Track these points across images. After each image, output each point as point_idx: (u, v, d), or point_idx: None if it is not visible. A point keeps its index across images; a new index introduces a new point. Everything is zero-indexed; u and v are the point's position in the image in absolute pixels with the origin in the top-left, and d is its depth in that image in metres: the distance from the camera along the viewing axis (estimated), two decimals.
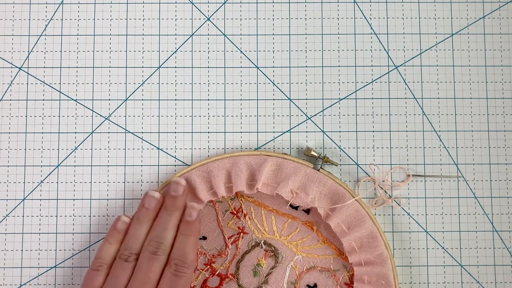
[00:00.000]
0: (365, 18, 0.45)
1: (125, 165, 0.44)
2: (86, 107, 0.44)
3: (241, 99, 0.44)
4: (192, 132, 0.44)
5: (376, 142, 0.44)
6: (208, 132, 0.44)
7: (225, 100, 0.44)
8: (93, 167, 0.44)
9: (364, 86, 0.45)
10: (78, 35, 0.45)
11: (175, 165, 0.44)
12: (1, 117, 0.44)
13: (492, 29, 0.45)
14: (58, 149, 0.44)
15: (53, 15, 0.45)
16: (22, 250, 0.43)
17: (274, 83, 0.45)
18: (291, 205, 0.43)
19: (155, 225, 0.39)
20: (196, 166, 0.42)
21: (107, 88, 0.44)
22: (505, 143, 0.44)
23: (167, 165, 0.44)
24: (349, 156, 0.44)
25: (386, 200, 0.43)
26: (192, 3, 0.45)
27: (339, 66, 0.45)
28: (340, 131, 0.44)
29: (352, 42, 0.45)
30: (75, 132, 0.44)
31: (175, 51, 0.45)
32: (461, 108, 0.44)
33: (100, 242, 0.43)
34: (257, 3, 0.45)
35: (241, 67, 0.45)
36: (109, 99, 0.44)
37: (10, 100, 0.44)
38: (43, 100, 0.44)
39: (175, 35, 0.45)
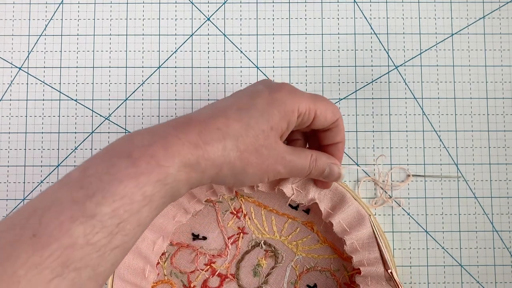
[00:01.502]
0: (365, 18, 0.45)
1: None
2: (86, 107, 0.44)
3: None
4: None
5: (376, 142, 0.44)
6: None
7: None
8: None
9: (364, 86, 0.44)
10: (78, 35, 0.45)
11: None
12: (1, 117, 0.44)
13: (492, 29, 0.45)
14: (58, 149, 0.44)
15: (53, 15, 0.45)
16: None
17: None
18: (291, 205, 0.43)
19: None
20: None
21: (107, 88, 0.44)
22: (505, 143, 0.44)
23: None
24: (349, 156, 0.44)
25: (386, 200, 0.43)
26: (192, 3, 0.45)
27: (339, 66, 0.45)
28: None
29: (352, 42, 0.45)
30: (75, 132, 0.44)
31: (175, 51, 0.45)
32: (461, 108, 0.44)
33: None
34: (257, 3, 0.45)
35: (241, 67, 0.45)
36: (109, 99, 0.44)
37: (10, 100, 0.44)
38: (43, 100, 0.44)
39: (175, 35, 0.45)
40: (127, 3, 0.45)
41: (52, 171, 0.44)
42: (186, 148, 0.29)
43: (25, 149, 0.44)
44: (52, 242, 0.25)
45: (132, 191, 0.27)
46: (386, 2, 0.45)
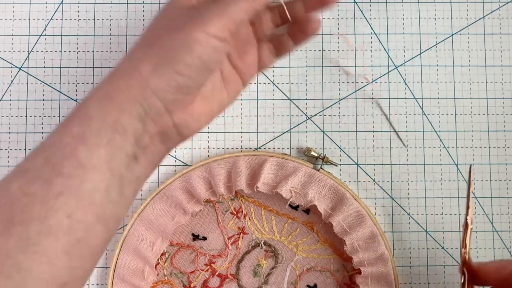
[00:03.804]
0: (365, 18, 0.45)
1: None
2: None
3: (241, 99, 0.44)
4: None
5: (376, 142, 0.44)
6: (208, 132, 0.44)
7: None
8: None
9: (364, 86, 0.44)
10: (78, 35, 0.45)
11: (175, 165, 0.44)
12: (1, 117, 0.44)
13: (492, 29, 0.45)
14: None
15: (53, 15, 0.45)
16: None
17: (274, 83, 0.44)
18: (291, 205, 0.43)
19: None
20: (196, 166, 0.42)
21: None
22: (505, 143, 0.44)
23: (167, 165, 0.44)
24: (349, 156, 0.44)
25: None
26: None
27: (339, 66, 0.45)
28: (340, 131, 0.44)
29: (351, 42, 0.45)
30: None
31: None
32: (461, 108, 0.44)
33: None
34: None
35: None
36: None
37: (10, 100, 0.44)
38: (43, 100, 0.44)
39: None
40: (127, 3, 0.45)
41: None
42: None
43: (25, 149, 0.44)
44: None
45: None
46: (386, 2, 0.45)
